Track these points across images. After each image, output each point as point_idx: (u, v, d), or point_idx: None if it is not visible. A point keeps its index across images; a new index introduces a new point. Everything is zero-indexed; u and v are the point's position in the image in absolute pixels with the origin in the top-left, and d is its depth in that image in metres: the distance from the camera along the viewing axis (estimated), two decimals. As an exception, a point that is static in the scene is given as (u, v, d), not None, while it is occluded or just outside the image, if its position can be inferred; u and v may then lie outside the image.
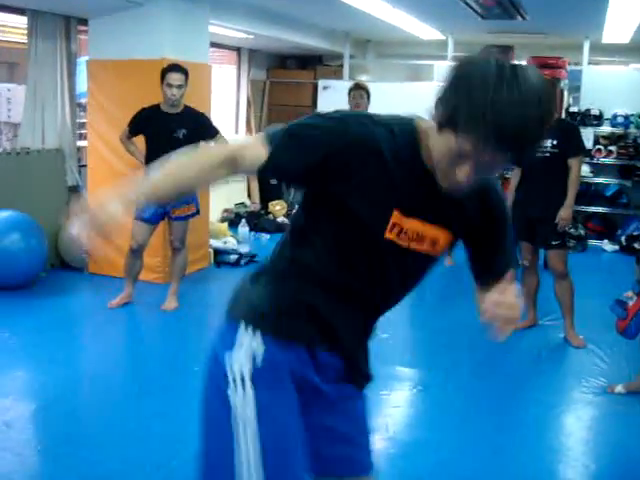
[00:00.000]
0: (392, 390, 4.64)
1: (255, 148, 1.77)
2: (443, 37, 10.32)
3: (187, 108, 5.93)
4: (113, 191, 1.75)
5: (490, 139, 1.58)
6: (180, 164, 1.81)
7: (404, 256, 1.86)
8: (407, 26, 9.29)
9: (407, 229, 1.82)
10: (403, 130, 1.80)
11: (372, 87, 7.05)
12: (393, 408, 4.45)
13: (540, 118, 1.60)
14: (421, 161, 1.78)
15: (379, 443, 3.80)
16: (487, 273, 1.97)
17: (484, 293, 1.83)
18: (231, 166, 1.78)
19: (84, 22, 7.26)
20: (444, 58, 10.53)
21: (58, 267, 7.34)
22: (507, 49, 10.00)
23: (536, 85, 1.60)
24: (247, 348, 1.86)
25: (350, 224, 1.82)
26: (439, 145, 1.70)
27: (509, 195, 5.79)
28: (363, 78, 11.03)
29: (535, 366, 5.31)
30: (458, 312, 6.08)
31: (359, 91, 6.83)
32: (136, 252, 6.06)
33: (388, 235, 1.81)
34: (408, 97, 9.29)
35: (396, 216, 1.80)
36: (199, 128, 5.93)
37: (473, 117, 1.58)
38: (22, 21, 7.18)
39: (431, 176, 1.78)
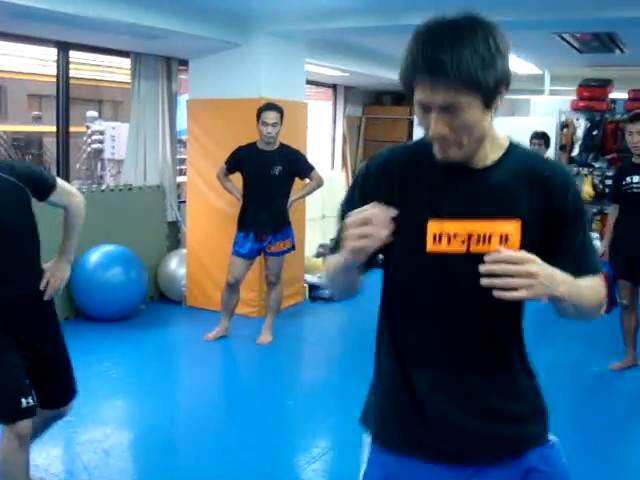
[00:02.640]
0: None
1: None
2: (540, 71, 10.20)
3: (282, 145, 6.04)
4: None
5: (409, 71, 1.62)
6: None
7: (468, 265, 1.65)
8: (503, 61, 9.23)
9: (455, 232, 1.69)
10: (421, 139, 1.79)
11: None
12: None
13: (451, 45, 1.55)
14: (431, 158, 1.74)
15: None
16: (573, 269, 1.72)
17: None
18: None
19: (184, 62, 7.51)
20: (541, 92, 10.42)
21: (157, 300, 7.55)
22: (606, 82, 9.82)
23: (460, 22, 1.59)
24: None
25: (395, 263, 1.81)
26: None
27: (607, 232, 5.68)
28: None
29: (635, 408, 5.14)
30: (556, 352, 5.96)
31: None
32: (233, 286, 6.18)
33: (432, 248, 1.71)
34: (506, 132, 9.31)
35: (434, 225, 1.70)
36: (294, 165, 6.05)
37: (402, 59, 1.64)
38: (126, 62, 7.48)
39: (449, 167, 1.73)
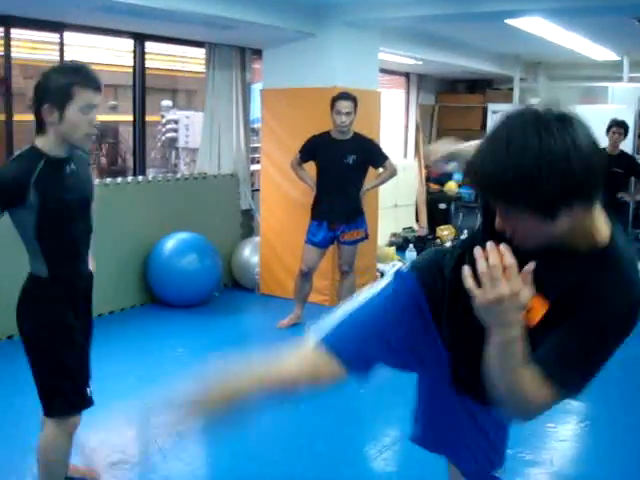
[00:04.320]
0: (558, 423, 4.51)
1: None
2: (618, 58, 9.96)
3: (356, 135, 6.04)
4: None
5: (472, 182, 1.57)
6: None
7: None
8: (580, 47, 9.05)
9: None
10: None
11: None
12: (559, 442, 4.34)
13: (520, 165, 1.45)
14: None
15: (543, 477, 3.72)
16: (534, 355, 1.66)
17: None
18: None
19: (258, 52, 7.56)
20: (619, 79, 10.18)
21: (230, 287, 7.64)
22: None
23: (549, 137, 1.46)
24: None
25: None
26: None
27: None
28: (534, 101, 10.80)
29: None
30: (634, 346, 5.83)
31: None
32: (306, 275, 6.22)
33: None
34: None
35: None
36: (368, 154, 6.04)
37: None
38: (200, 52, 7.57)
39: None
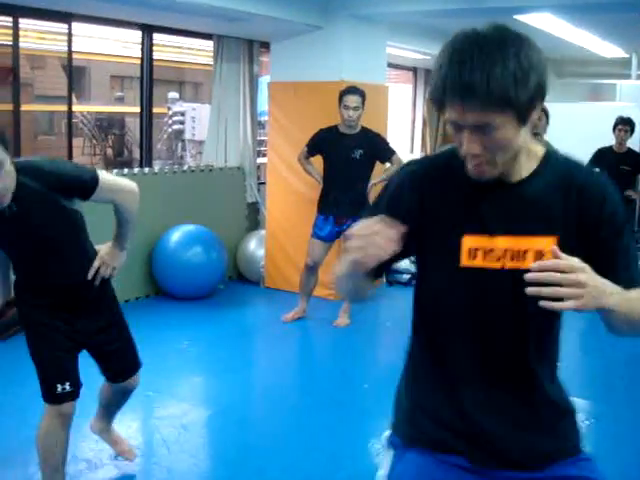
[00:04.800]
0: (563, 419, 4.50)
1: None
2: (627, 55, 9.95)
3: (364, 129, 6.03)
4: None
5: (439, 90, 1.54)
6: None
7: (502, 281, 1.68)
8: (588, 44, 9.04)
9: (491, 248, 1.67)
10: (451, 150, 1.73)
11: (551, 108, 6.88)
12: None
13: (480, 63, 1.48)
14: (463, 172, 1.67)
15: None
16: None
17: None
18: None
19: (266, 45, 7.55)
20: (628, 77, 10.16)
21: (235, 280, 7.65)
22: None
23: (490, 37, 1.52)
24: None
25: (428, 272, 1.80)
26: None
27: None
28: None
29: None
30: (639, 345, 5.82)
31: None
32: (311, 269, 6.22)
33: (467, 263, 1.69)
34: (589, 118, 9.10)
35: (469, 240, 1.69)
36: (375, 149, 6.03)
37: (432, 76, 1.58)
38: (207, 44, 7.56)
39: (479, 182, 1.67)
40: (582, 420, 4.57)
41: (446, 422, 1.79)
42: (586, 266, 1.51)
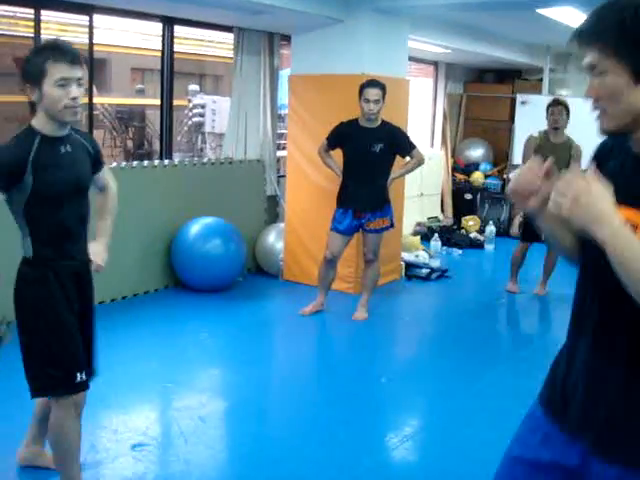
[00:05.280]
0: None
1: None
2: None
3: (384, 123, 6.00)
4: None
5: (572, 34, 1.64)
6: None
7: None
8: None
9: (626, 219, 1.57)
10: None
11: (572, 103, 6.87)
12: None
13: (620, 14, 1.55)
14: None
15: None
16: None
17: None
18: None
19: (287, 38, 7.54)
20: (651, 72, 10.06)
21: (254, 273, 7.65)
22: None
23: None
24: None
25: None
26: None
27: None
28: (563, 93, 10.72)
29: None
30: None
31: (558, 107, 6.69)
32: (330, 262, 6.21)
33: None
34: None
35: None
36: (395, 143, 6.01)
37: None
38: (228, 37, 7.56)
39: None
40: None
41: (558, 387, 1.83)
42: (595, 187, 1.53)
